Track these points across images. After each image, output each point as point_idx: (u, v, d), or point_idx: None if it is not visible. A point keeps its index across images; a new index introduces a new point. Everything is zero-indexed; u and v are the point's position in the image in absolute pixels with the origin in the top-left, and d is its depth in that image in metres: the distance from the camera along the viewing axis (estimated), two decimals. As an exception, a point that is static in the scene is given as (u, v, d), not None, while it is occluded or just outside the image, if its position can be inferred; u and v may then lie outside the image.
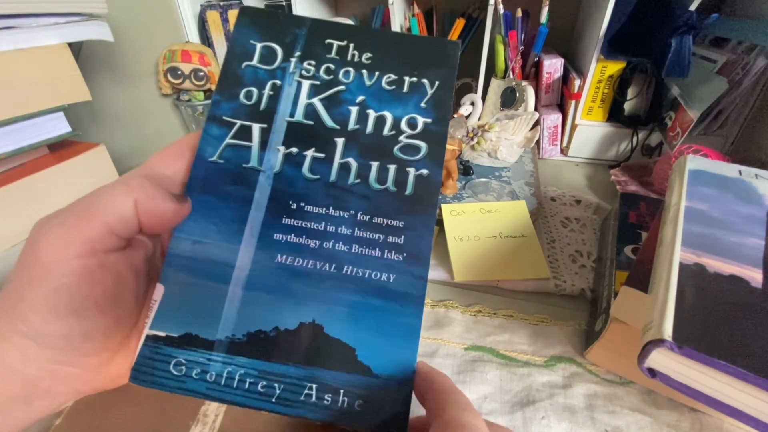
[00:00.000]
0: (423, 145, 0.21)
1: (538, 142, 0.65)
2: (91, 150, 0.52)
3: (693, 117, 0.49)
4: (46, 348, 0.16)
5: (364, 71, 0.22)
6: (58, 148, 0.51)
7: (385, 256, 0.20)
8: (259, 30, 0.22)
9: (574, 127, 0.63)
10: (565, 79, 0.65)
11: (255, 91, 0.21)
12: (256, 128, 0.21)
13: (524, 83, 0.63)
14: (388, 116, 0.21)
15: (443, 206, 0.46)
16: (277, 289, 0.19)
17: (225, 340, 0.18)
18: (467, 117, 0.61)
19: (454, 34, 0.68)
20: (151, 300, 0.19)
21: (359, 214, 0.20)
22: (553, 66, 0.64)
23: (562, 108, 0.66)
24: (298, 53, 0.22)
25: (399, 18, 0.70)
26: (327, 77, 0.22)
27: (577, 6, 0.73)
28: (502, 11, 0.61)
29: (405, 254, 0.20)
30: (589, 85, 0.60)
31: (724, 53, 0.53)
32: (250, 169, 0.20)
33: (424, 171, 0.21)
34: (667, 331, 0.20)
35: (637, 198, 0.42)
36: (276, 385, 0.18)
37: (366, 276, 0.19)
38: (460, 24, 0.68)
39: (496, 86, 0.67)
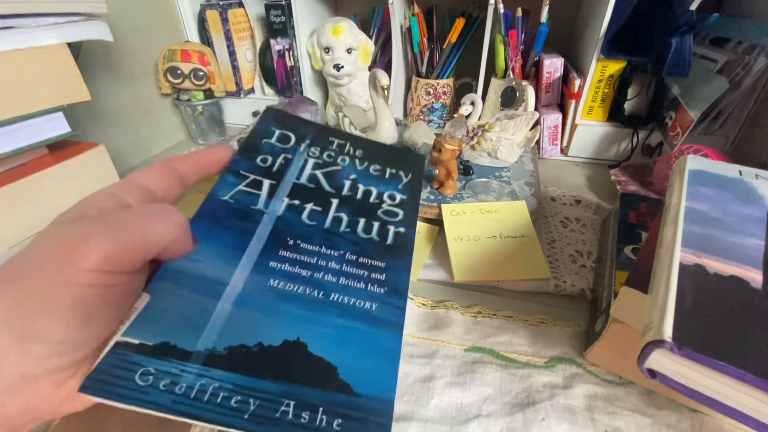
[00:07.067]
0: (400, 211, 0.27)
1: (538, 142, 0.65)
2: (91, 150, 0.52)
3: (693, 117, 0.49)
4: (65, 354, 0.16)
5: (357, 161, 0.29)
6: (58, 148, 0.50)
7: (369, 288, 0.22)
8: (279, 124, 0.29)
9: (574, 126, 0.63)
10: (565, 78, 0.65)
11: (270, 158, 0.26)
12: (266, 183, 0.25)
13: (524, 83, 0.63)
14: (374, 190, 0.28)
15: (443, 206, 0.46)
16: (266, 308, 0.20)
17: (204, 351, 0.18)
18: (467, 117, 0.61)
19: (454, 34, 0.68)
20: (132, 308, 0.19)
21: (347, 254, 0.23)
22: (553, 65, 0.64)
23: (562, 108, 0.66)
24: (307, 142, 0.28)
25: (399, 17, 0.70)
26: (328, 160, 0.28)
27: (577, 6, 0.73)
28: (502, 11, 0.61)
29: (386, 288, 0.23)
30: (590, 85, 0.60)
31: (725, 53, 0.53)
32: (257, 210, 0.24)
33: (401, 229, 0.26)
34: (667, 331, 0.20)
35: (637, 198, 0.42)
36: (251, 400, 0.17)
37: (351, 303, 0.21)
38: (460, 23, 0.67)
39: (496, 86, 0.67)
